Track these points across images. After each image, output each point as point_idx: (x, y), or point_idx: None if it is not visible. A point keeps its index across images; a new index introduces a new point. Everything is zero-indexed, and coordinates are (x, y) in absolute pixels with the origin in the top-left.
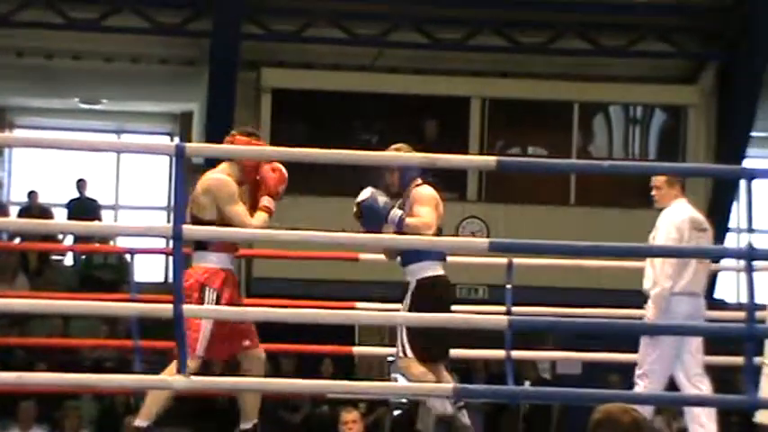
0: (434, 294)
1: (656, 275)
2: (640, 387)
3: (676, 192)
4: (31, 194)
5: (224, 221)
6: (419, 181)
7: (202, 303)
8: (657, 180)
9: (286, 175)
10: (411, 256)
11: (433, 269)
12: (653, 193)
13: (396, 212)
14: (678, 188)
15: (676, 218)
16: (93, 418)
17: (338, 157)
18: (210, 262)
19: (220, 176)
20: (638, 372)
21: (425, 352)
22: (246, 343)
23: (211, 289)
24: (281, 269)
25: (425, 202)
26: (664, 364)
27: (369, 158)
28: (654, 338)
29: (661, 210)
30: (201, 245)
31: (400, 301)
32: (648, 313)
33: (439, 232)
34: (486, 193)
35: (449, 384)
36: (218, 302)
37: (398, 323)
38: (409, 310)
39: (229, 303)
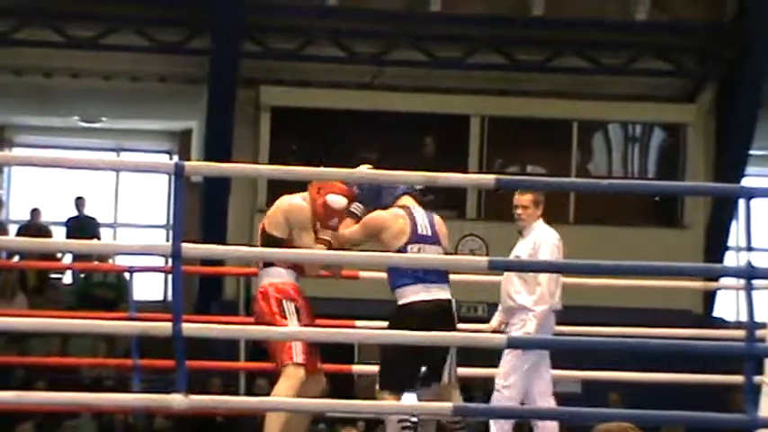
0: (404, 325)
1: (539, 292)
2: (503, 397)
3: (540, 212)
4: (34, 212)
5: (292, 244)
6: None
7: (285, 317)
8: (524, 200)
9: (336, 207)
10: (390, 280)
11: (413, 294)
12: (518, 212)
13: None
14: (541, 209)
15: (553, 237)
16: None
17: (338, 175)
18: (282, 276)
19: (301, 203)
20: (503, 383)
21: (386, 381)
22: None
23: (289, 300)
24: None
25: (363, 222)
26: (528, 379)
27: (368, 176)
28: (526, 352)
29: (521, 230)
30: (271, 262)
31: None
32: (528, 328)
33: (400, 251)
34: (486, 211)
35: (448, 403)
36: (297, 312)
37: (398, 342)
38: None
39: (307, 312)
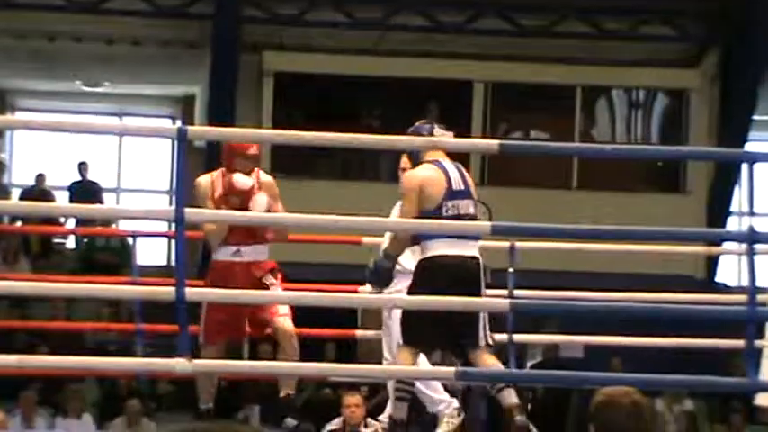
0: (425, 276)
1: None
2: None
3: None
4: (39, 177)
5: None
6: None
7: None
8: (405, 162)
9: (239, 186)
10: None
11: (436, 249)
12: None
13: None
14: None
15: None
16: (95, 401)
17: (341, 140)
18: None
19: (199, 180)
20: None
21: (410, 338)
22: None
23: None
24: (283, 253)
25: (404, 192)
26: None
27: (371, 142)
28: None
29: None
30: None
31: None
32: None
33: (438, 210)
34: (489, 176)
35: (450, 368)
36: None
37: (399, 307)
38: (408, 293)
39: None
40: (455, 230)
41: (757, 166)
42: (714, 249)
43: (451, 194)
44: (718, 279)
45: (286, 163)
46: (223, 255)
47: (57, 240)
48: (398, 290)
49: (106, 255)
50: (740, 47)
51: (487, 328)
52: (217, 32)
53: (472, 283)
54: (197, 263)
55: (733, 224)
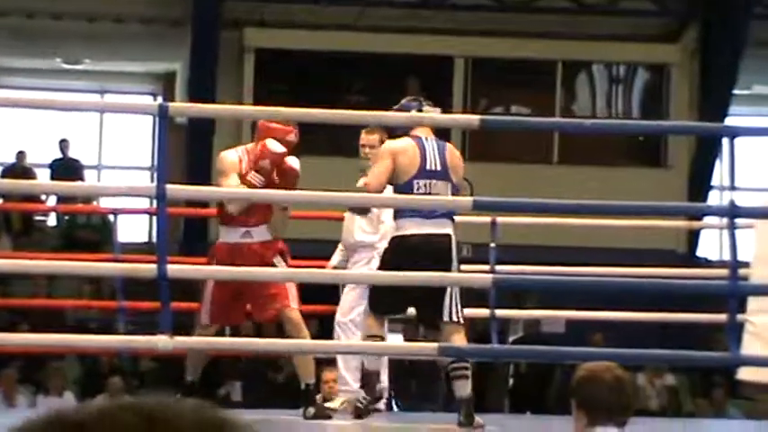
0: (393, 254)
1: (383, 230)
2: (350, 331)
3: None
4: (20, 155)
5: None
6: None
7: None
8: (371, 139)
9: (272, 149)
10: (393, 211)
11: (406, 228)
12: (366, 151)
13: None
14: None
15: None
16: (77, 378)
17: (322, 116)
18: (222, 235)
19: (224, 153)
20: (344, 319)
21: (373, 305)
22: (280, 305)
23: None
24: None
25: (379, 156)
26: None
27: (352, 117)
28: (364, 289)
29: (365, 168)
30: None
31: None
32: (373, 265)
33: (409, 186)
34: (470, 151)
35: (433, 344)
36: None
37: (378, 282)
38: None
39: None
40: (432, 206)
41: (738, 141)
42: (695, 224)
43: (425, 173)
44: (699, 253)
45: None
46: (232, 236)
47: (38, 218)
48: (359, 262)
49: (87, 232)
50: (720, 21)
51: (458, 305)
52: (197, 9)
53: (441, 260)
54: (178, 239)
55: (714, 198)
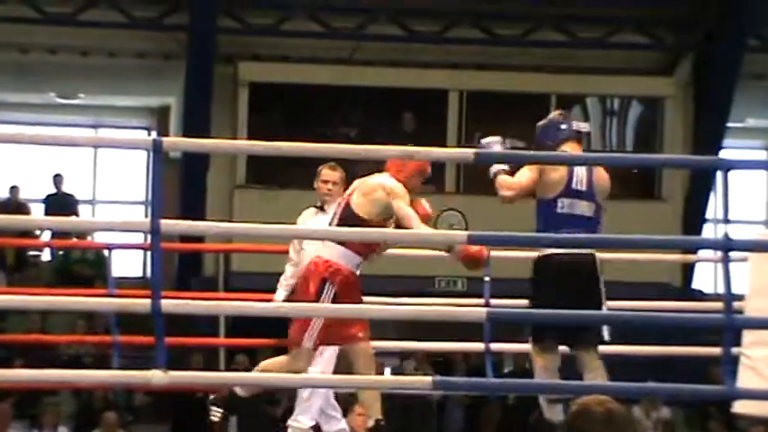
0: (540, 276)
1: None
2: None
3: (344, 189)
4: (13, 189)
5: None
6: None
7: (318, 298)
8: (335, 176)
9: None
10: (537, 229)
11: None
12: (329, 188)
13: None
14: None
15: None
16: (71, 413)
17: (317, 150)
18: (347, 258)
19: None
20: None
21: (536, 336)
22: (357, 335)
23: (332, 284)
24: (259, 263)
25: (528, 168)
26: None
27: (347, 152)
28: None
29: (324, 203)
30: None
31: (381, 295)
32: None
33: (554, 202)
34: (465, 185)
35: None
36: (334, 301)
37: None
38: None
39: (351, 300)
40: (427, 240)
41: (732, 174)
42: (690, 257)
43: (571, 192)
44: (694, 286)
45: (261, 173)
46: (352, 264)
47: (32, 253)
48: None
49: (82, 267)
50: (713, 54)
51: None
52: (192, 43)
53: (590, 283)
54: (173, 275)
55: (709, 231)
